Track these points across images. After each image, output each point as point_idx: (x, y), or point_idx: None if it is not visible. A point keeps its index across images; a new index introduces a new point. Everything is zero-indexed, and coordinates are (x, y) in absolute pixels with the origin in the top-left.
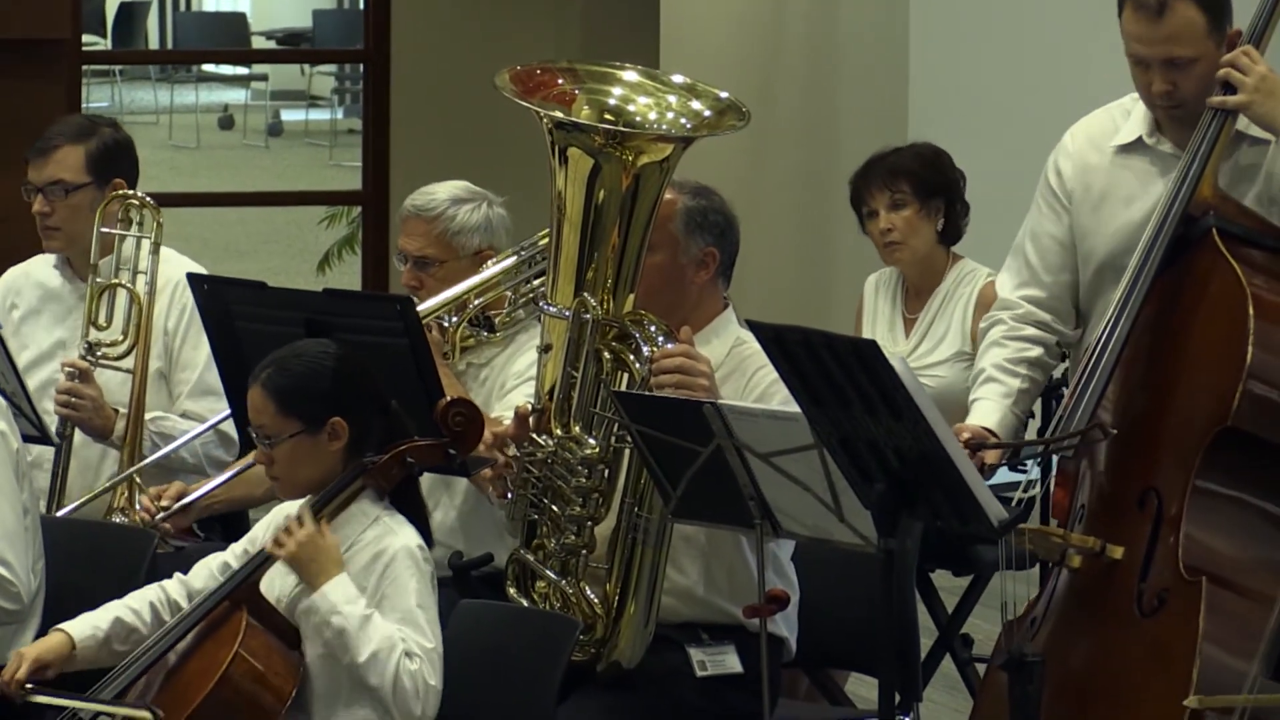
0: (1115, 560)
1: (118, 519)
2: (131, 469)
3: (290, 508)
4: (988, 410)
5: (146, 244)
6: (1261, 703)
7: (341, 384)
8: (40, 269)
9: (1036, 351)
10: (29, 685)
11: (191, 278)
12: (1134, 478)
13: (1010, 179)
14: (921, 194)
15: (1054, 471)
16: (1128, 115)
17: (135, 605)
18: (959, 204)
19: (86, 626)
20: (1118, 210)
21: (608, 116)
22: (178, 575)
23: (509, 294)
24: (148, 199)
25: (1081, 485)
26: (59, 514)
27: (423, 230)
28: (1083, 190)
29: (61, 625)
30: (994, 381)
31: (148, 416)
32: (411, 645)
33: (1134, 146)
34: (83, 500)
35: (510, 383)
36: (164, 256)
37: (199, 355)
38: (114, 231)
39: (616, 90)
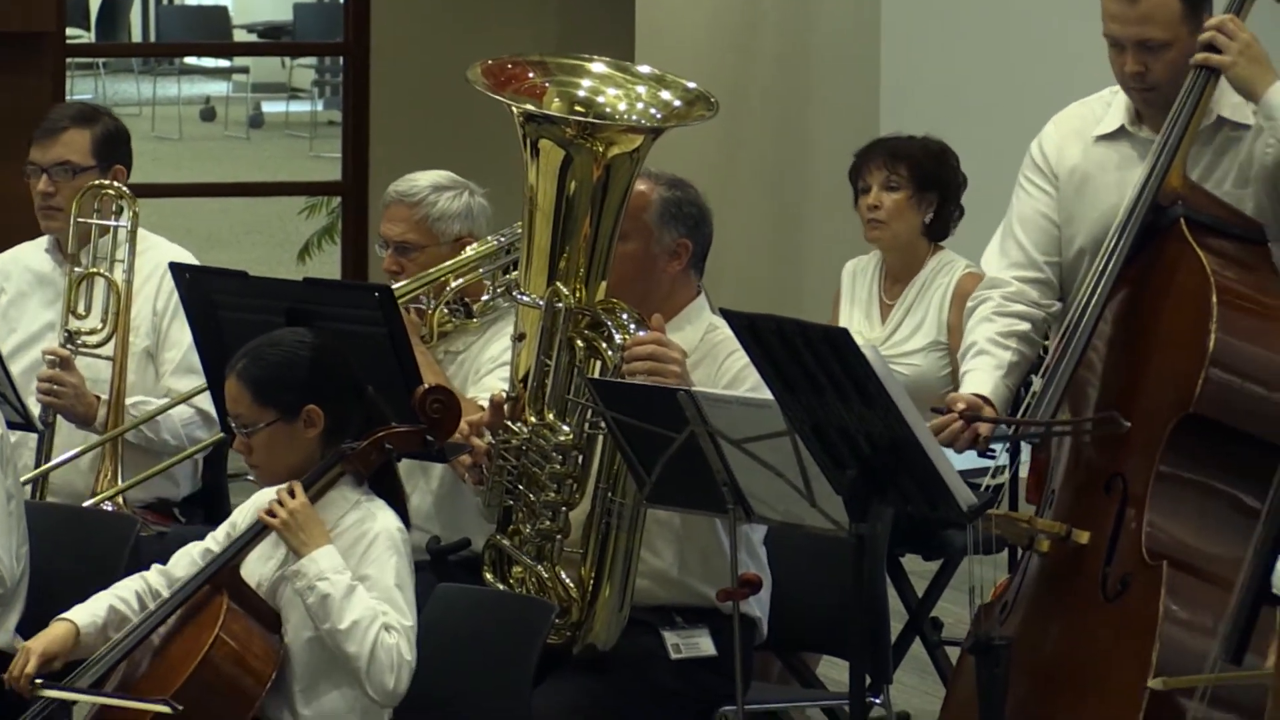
0: (1081, 545)
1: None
2: (105, 436)
3: (268, 495)
4: (981, 380)
5: (124, 233)
6: (1223, 681)
7: (316, 372)
8: (31, 254)
9: (1025, 327)
10: (38, 680)
11: (173, 268)
12: (1101, 463)
13: (981, 174)
14: (917, 183)
15: (1023, 458)
16: (1108, 106)
17: (123, 595)
18: (953, 204)
19: (86, 615)
20: (1099, 197)
21: (578, 108)
22: (156, 566)
23: (488, 283)
24: (124, 189)
25: (1054, 470)
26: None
27: (404, 215)
28: (1066, 176)
29: (64, 615)
30: (986, 354)
31: (129, 401)
32: (392, 620)
33: (1116, 135)
34: (55, 463)
35: (484, 368)
36: (152, 242)
37: (185, 335)
38: (91, 221)
39: (586, 82)
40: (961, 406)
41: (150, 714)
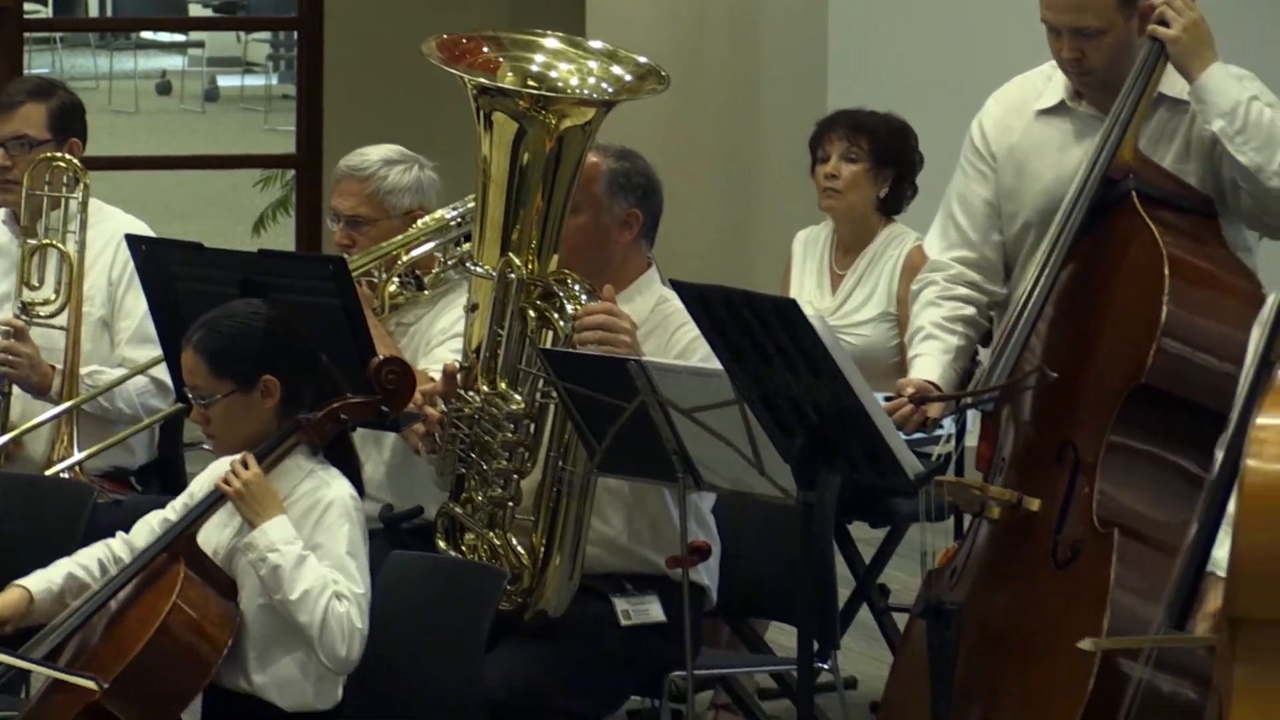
0: (1032, 512)
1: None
2: (61, 408)
3: (225, 464)
4: (929, 365)
5: (75, 205)
6: (1155, 645)
7: (271, 343)
8: None
9: (970, 310)
10: None
11: (129, 239)
12: (1052, 432)
13: (926, 150)
14: (876, 157)
15: (970, 427)
16: (1048, 80)
17: (85, 562)
18: (908, 182)
19: (42, 581)
20: (1041, 171)
21: (531, 82)
22: (120, 534)
23: (439, 255)
24: (75, 161)
25: (1004, 438)
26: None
27: (355, 190)
28: (1006, 153)
29: (19, 581)
30: (934, 339)
31: (84, 371)
32: (343, 588)
33: (1056, 110)
34: (13, 434)
35: (435, 339)
36: (108, 213)
37: (140, 304)
38: (43, 194)
39: (539, 57)
40: (911, 391)
41: (89, 691)
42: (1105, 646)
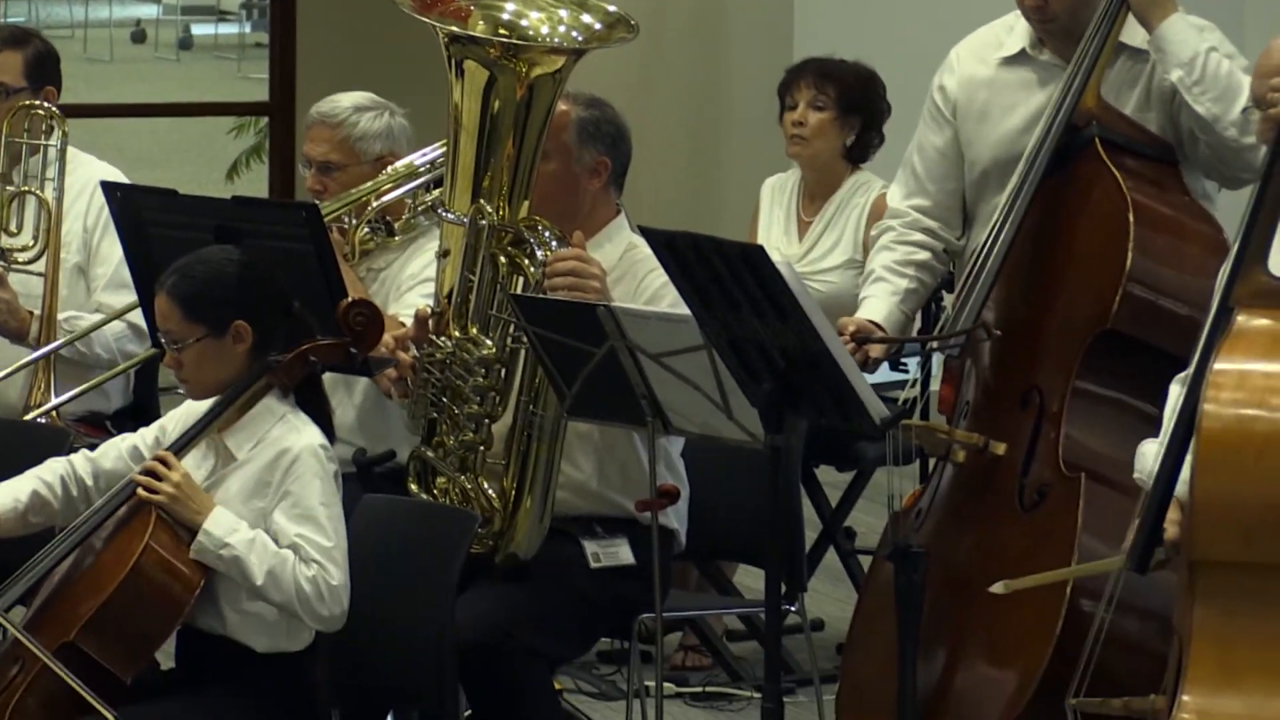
0: (998, 456)
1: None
2: (39, 352)
3: (197, 407)
4: (875, 306)
5: (54, 152)
6: (1074, 574)
7: (244, 288)
8: None
9: (924, 255)
10: None
11: (104, 186)
12: (1018, 377)
13: (894, 97)
14: (843, 105)
15: (936, 370)
16: (1010, 30)
17: (48, 479)
18: (875, 131)
19: (8, 499)
20: (1002, 118)
21: (502, 30)
22: (84, 452)
23: (408, 201)
24: (54, 109)
25: (966, 383)
26: None
27: (327, 136)
28: (967, 101)
29: None
30: (882, 281)
31: (61, 316)
32: (308, 549)
33: (1017, 58)
34: None
35: (405, 284)
36: (83, 160)
37: (115, 251)
38: (21, 140)
39: (510, 5)
40: (852, 329)
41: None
42: (1017, 587)
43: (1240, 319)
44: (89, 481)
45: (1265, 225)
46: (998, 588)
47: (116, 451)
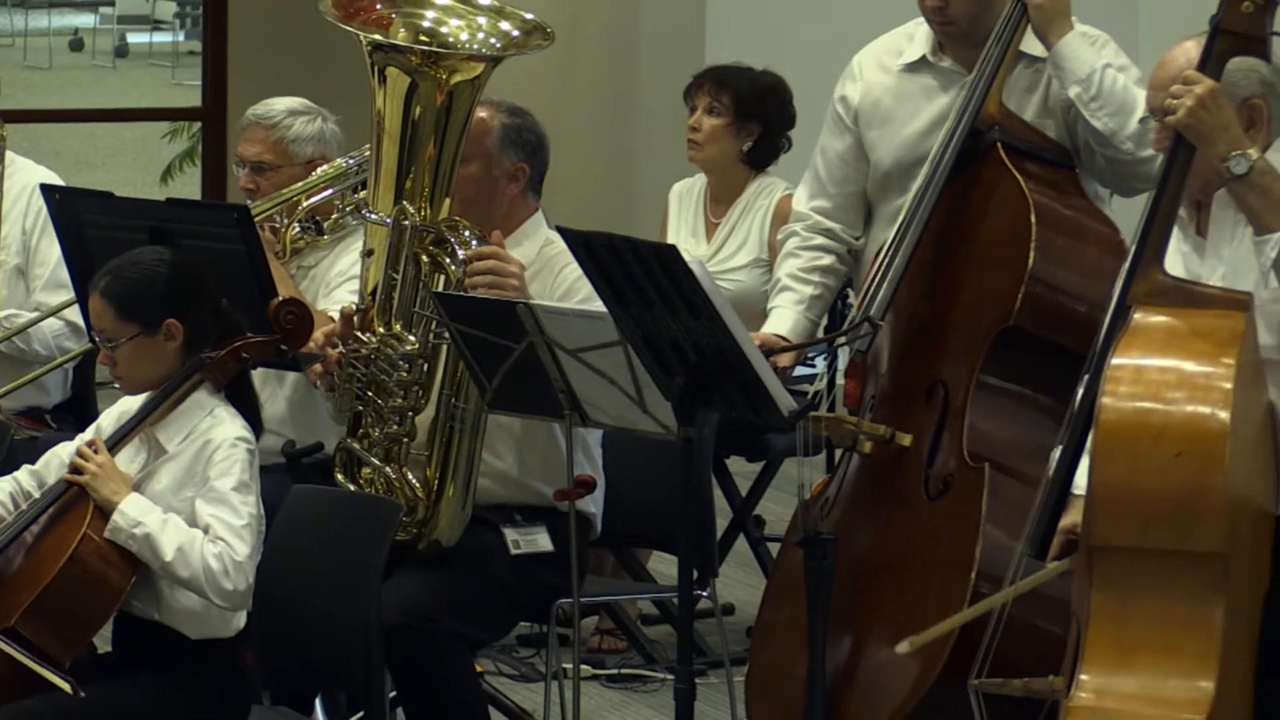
0: (904, 447)
1: None
2: None
3: (132, 403)
4: (782, 317)
5: None
6: (964, 620)
7: (174, 288)
8: None
9: (828, 260)
10: None
11: (44, 189)
12: (923, 371)
13: (802, 103)
14: (739, 112)
15: (843, 365)
16: (911, 38)
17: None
18: (777, 136)
19: None
20: (905, 123)
21: (422, 38)
22: (27, 467)
23: (337, 202)
24: None
25: (872, 377)
26: None
27: (261, 137)
28: (871, 107)
29: None
30: (789, 290)
31: (1, 314)
32: (218, 528)
33: (918, 65)
34: None
35: (334, 281)
36: (20, 164)
37: (53, 252)
38: None
39: (430, 13)
40: (757, 344)
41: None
42: (921, 642)
43: (1137, 316)
44: (36, 494)
45: (1161, 228)
46: (903, 647)
47: (59, 460)
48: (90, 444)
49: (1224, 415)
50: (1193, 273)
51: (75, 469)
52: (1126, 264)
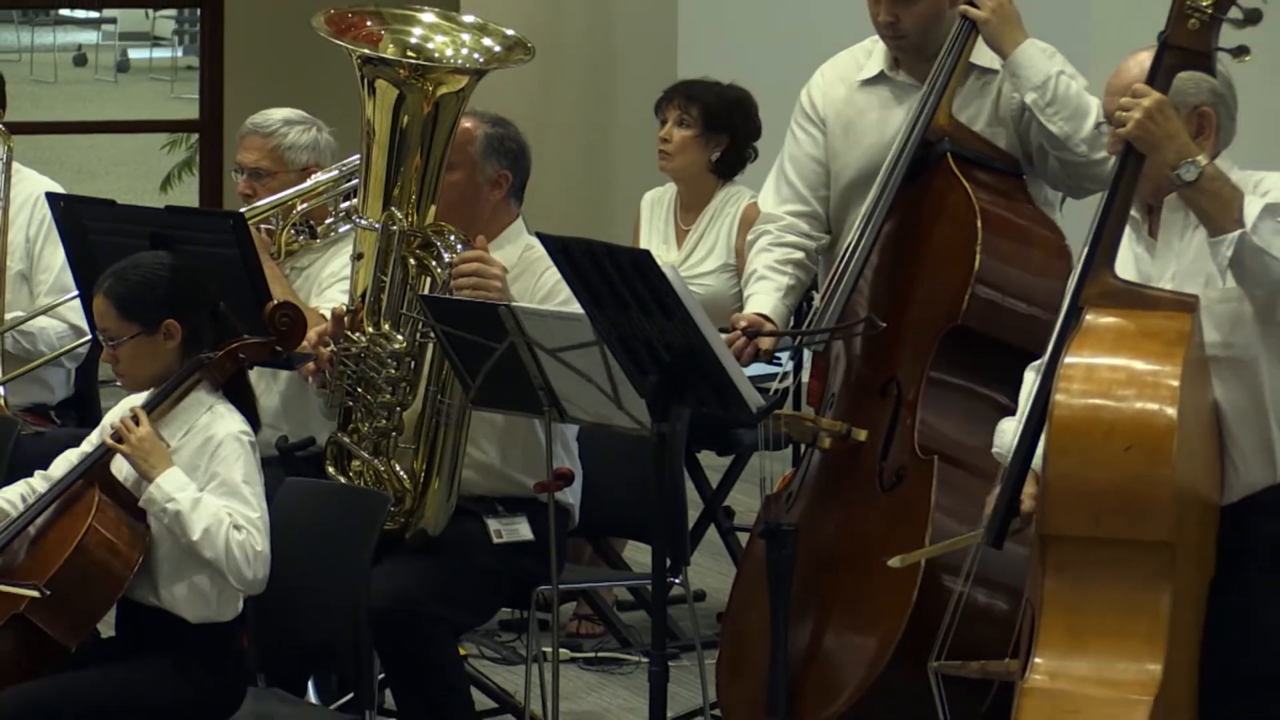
0: (860, 441)
1: None
2: None
3: (137, 399)
4: (763, 301)
5: None
6: (950, 547)
7: (174, 291)
8: None
9: (800, 255)
10: None
11: (49, 196)
12: (877, 369)
13: (765, 113)
14: (707, 124)
15: (807, 364)
16: (869, 54)
17: (10, 497)
18: (743, 147)
19: None
20: (865, 134)
21: (410, 53)
22: (39, 472)
23: (330, 207)
24: (1, 127)
25: (832, 375)
26: None
27: (258, 145)
28: (834, 118)
29: None
30: (766, 279)
31: (8, 316)
32: (238, 518)
33: (876, 79)
34: None
35: (326, 282)
36: (25, 174)
37: (56, 259)
38: None
39: (417, 30)
40: (744, 324)
41: (24, 599)
42: (910, 560)
43: (1089, 317)
44: None
45: (1113, 232)
46: (894, 562)
47: (67, 461)
48: (133, 415)
49: (1172, 412)
50: (1144, 274)
51: (117, 436)
52: (1079, 267)
